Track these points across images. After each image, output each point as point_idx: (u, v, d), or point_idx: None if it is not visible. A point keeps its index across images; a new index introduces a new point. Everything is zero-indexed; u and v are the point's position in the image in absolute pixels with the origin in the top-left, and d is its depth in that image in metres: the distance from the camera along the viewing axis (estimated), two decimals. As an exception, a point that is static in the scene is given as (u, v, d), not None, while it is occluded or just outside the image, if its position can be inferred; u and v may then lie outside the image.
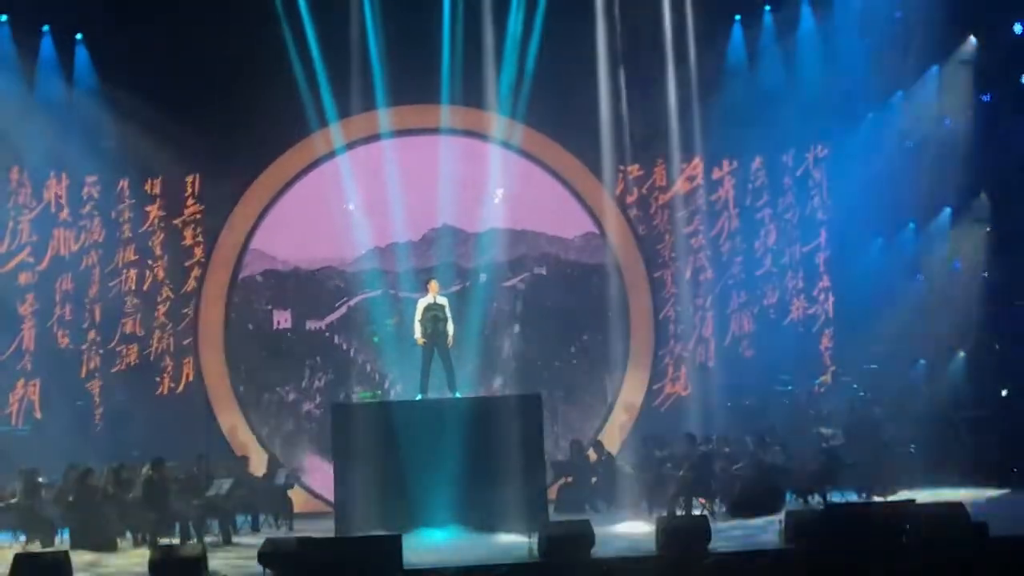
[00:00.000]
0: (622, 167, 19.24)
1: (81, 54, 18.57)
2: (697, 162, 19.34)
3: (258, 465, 17.64)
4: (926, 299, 18.84)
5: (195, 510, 15.48)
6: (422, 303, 15.90)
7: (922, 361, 18.83)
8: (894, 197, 18.85)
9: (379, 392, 16.62)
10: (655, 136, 19.03)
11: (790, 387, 18.87)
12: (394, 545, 12.39)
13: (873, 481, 16.54)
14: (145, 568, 12.73)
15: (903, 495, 15.78)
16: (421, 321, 15.80)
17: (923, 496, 15.24)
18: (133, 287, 18.77)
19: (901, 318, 18.57)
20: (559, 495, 17.10)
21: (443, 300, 15.97)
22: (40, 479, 15.77)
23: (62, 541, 15.14)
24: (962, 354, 18.76)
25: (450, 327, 15.84)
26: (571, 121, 19.03)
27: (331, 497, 16.18)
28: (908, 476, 16.88)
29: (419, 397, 15.78)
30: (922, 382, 18.67)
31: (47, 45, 18.46)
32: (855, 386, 18.54)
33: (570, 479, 17.31)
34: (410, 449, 15.08)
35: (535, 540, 13.37)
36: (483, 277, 18.87)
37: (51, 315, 18.54)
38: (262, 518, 16.67)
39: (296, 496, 17.28)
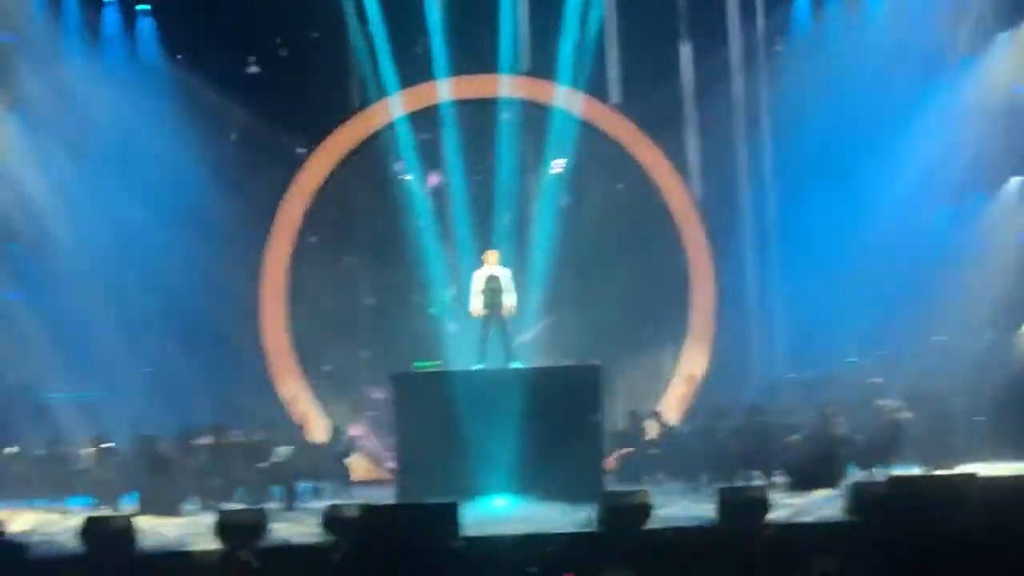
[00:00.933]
0: (682, 133, 19.03)
1: (144, 25, 18.72)
2: (763, 126, 19.06)
3: (319, 433, 17.80)
4: (996, 268, 18.48)
5: (258, 476, 15.68)
6: (479, 275, 15.94)
7: (991, 331, 18.49)
8: (963, 165, 18.51)
9: (438, 362, 16.66)
10: (718, 102, 18.78)
11: (855, 358, 18.62)
12: (452, 513, 12.43)
13: (938, 453, 16.30)
14: (210, 533, 12.92)
15: (969, 468, 15.55)
16: (480, 292, 15.84)
17: (990, 469, 15.01)
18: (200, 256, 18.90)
19: (970, 288, 18.27)
20: (618, 466, 17.05)
21: (501, 271, 15.98)
22: (108, 445, 16.07)
23: (129, 506, 15.40)
24: (1024, 326, 18.44)
25: (508, 298, 15.84)
26: (633, 89, 18.87)
27: (391, 465, 16.32)
28: (975, 449, 16.61)
29: (477, 367, 15.82)
30: (991, 353, 18.34)
31: (111, 15, 18.63)
32: (922, 357, 18.26)
33: (629, 449, 17.26)
34: (468, 418, 15.13)
35: (593, 510, 13.37)
36: (542, 248, 18.79)
37: (118, 282, 18.72)
38: (323, 485, 16.84)
39: (357, 463, 17.41)
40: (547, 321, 18.87)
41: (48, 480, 16.16)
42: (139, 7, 18.74)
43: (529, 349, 17.62)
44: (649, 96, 18.84)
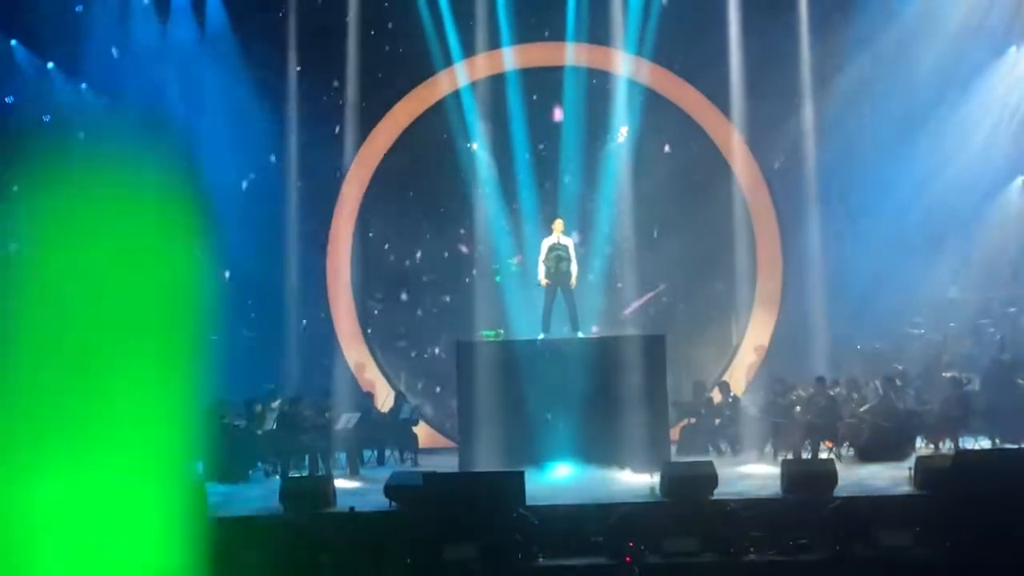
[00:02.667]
0: (749, 102, 18.80)
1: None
2: (830, 96, 18.78)
3: (384, 400, 17.94)
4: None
5: (323, 444, 15.86)
6: (546, 243, 15.99)
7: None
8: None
9: (501, 331, 16.71)
10: (784, 70, 18.52)
11: (922, 330, 18.38)
12: (518, 481, 12.50)
13: (1007, 427, 16.06)
14: (276, 499, 13.10)
15: (1039, 442, 15.33)
16: (544, 261, 15.90)
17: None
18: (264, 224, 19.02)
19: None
20: (682, 436, 17.02)
21: (567, 240, 16.00)
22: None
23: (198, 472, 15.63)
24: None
25: (573, 267, 15.86)
26: (698, 57, 18.69)
27: (455, 433, 16.41)
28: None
29: (541, 336, 15.83)
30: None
31: (180, -13, 18.81)
32: (992, 329, 17.99)
33: (693, 420, 17.21)
34: (532, 388, 15.20)
35: (657, 480, 13.37)
36: (606, 216, 18.69)
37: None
38: (388, 452, 16.99)
39: (421, 431, 17.54)
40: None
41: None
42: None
43: (595, 319, 17.57)
44: (715, 65, 18.64)
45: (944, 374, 16.92)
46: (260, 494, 14.27)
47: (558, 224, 16.08)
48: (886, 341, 18.23)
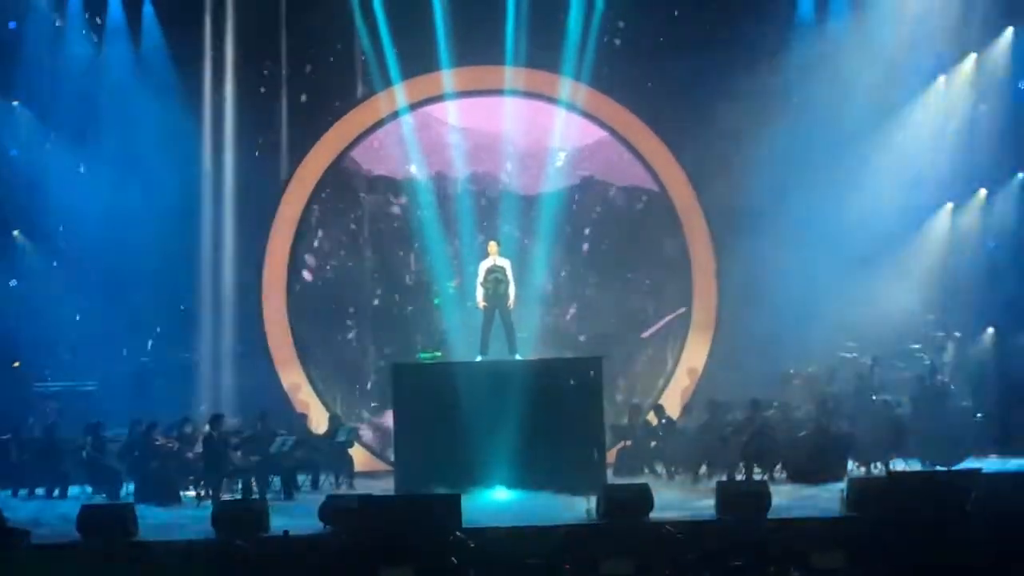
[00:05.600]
0: (684, 125, 18.99)
1: (148, 12, 18.68)
2: (763, 120, 19.00)
3: (319, 423, 17.78)
4: (997, 266, 18.49)
5: (257, 466, 15.67)
6: (483, 265, 15.99)
7: (991, 329, 18.50)
8: (965, 162, 18.56)
9: (439, 353, 16.66)
10: (720, 95, 18.73)
11: (855, 354, 18.61)
12: (454, 504, 12.45)
13: (938, 450, 16.29)
14: (208, 522, 12.92)
15: (969, 464, 15.55)
16: (483, 283, 15.88)
17: (989, 466, 15.02)
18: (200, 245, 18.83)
19: (971, 285, 18.27)
20: (618, 458, 17.05)
21: (504, 262, 16.01)
22: (106, 433, 16.07)
23: (127, 494, 15.40)
24: (1033, 322, 18.42)
25: (511, 289, 15.87)
26: (634, 82, 18.86)
27: (391, 456, 16.31)
28: (975, 445, 16.62)
29: (479, 358, 15.81)
30: (991, 350, 18.34)
31: (115, 4, 18.58)
32: (922, 354, 18.25)
33: (629, 442, 17.25)
34: (470, 410, 15.15)
35: (593, 502, 13.37)
36: (543, 239, 18.75)
37: (120, 270, 18.65)
38: (323, 476, 16.83)
39: (356, 454, 17.40)
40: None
41: (47, 468, 16.15)
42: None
43: (532, 341, 17.60)
44: (651, 89, 18.84)
45: (875, 397, 17.12)
46: (192, 517, 14.06)
47: (493, 246, 16.09)
48: (819, 364, 18.40)
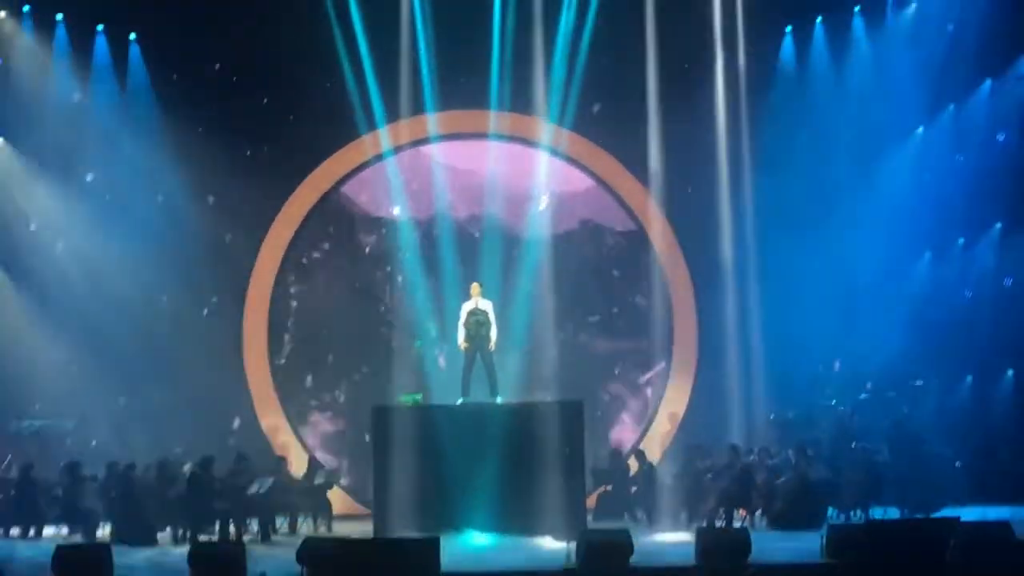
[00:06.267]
0: (668, 172, 19.15)
1: (134, 53, 18.78)
2: (744, 169, 19.20)
3: (298, 465, 17.69)
4: (975, 315, 18.63)
5: (235, 508, 15.57)
6: (465, 307, 15.99)
7: (969, 378, 18.60)
8: (944, 211, 18.75)
9: (420, 396, 16.63)
10: (702, 141, 18.90)
11: (834, 400, 18.68)
12: (432, 548, 12.35)
13: (916, 497, 16.33)
14: (184, 564, 12.81)
15: (947, 512, 15.58)
16: (464, 325, 15.88)
17: (968, 514, 15.03)
18: (180, 288, 18.79)
19: (949, 334, 18.40)
20: (598, 503, 17.03)
21: (486, 304, 16.02)
22: (83, 472, 15.96)
23: (104, 534, 15.28)
24: (1011, 372, 18.52)
25: (493, 331, 15.88)
26: (619, 127, 19.03)
27: (370, 499, 16.22)
28: (953, 493, 16.66)
29: (460, 401, 15.80)
30: (969, 398, 18.44)
31: (101, 44, 18.67)
32: (900, 401, 18.33)
33: (610, 487, 17.22)
34: (450, 453, 15.09)
35: (573, 547, 13.32)
36: (526, 282, 18.81)
37: (99, 310, 18.59)
38: (301, 518, 16.72)
39: (335, 497, 17.31)
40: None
41: (23, 507, 16.01)
42: (131, 35, 18.71)
43: (513, 384, 17.61)
44: (633, 134, 19.01)
45: (854, 444, 17.17)
46: (168, 558, 13.94)
47: (475, 288, 16.11)
48: (798, 411, 18.47)
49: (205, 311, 18.86)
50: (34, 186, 18.35)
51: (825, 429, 18.03)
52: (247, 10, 18.29)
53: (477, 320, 15.78)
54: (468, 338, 15.82)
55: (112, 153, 18.46)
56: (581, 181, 19.49)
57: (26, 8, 18.21)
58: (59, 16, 18.36)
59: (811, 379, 18.76)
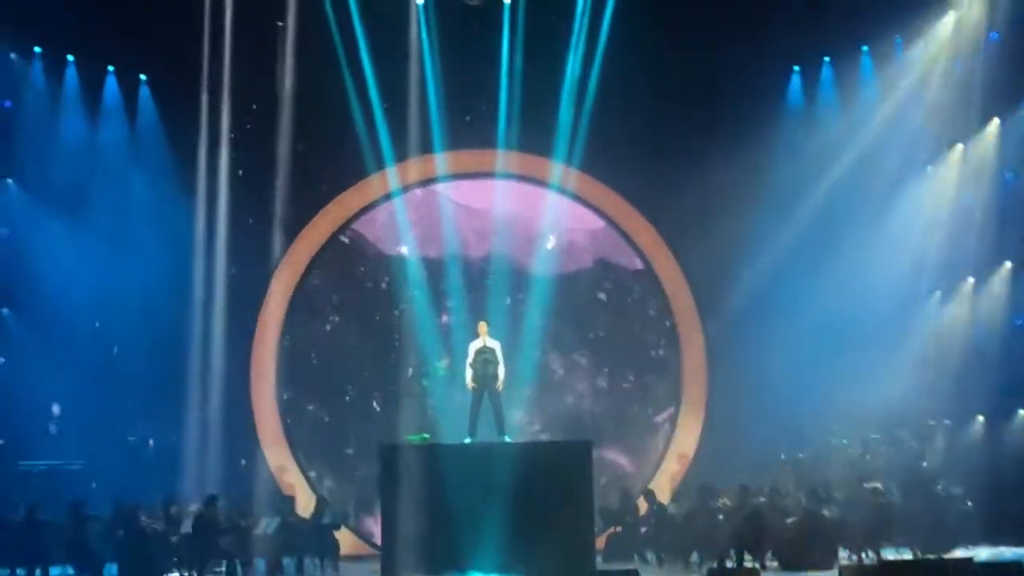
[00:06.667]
0: (674, 210, 19.16)
1: (144, 94, 18.89)
2: (754, 208, 19.17)
3: (305, 505, 17.60)
4: (985, 354, 18.53)
5: (242, 549, 15.47)
6: (473, 346, 15.97)
7: (980, 417, 18.49)
8: (953, 250, 18.70)
9: (427, 435, 16.56)
10: (709, 179, 18.92)
11: (845, 440, 18.56)
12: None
13: (928, 538, 16.18)
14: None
15: (959, 553, 15.43)
16: (472, 364, 15.84)
17: (980, 554, 14.90)
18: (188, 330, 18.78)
19: (959, 373, 18.30)
20: (608, 544, 16.91)
21: (494, 343, 15.99)
22: (89, 512, 15.88)
23: (110, 575, 15.19)
24: (1021, 412, 18.41)
25: (500, 370, 15.82)
26: (627, 167, 19.07)
27: (377, 540, 16.12)
28: (965, 533, 16.51)
29: (468, 440, 15.72)
30: (980, 438, 18.31)
31: (111, 85, 18.79)
32: (911, 441, 18.21)
33: (619, 528, 17.09)
34: (458, 493, 14.98)
35: (582, 588, 13.21)
36: (534, 321, 18.77)
37: (104, 350, 18.59)
38: (307, 559, 16.60)
39: (342, 538, 17.20)
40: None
41: (28, 547, 15.92)
42: (141, 76, 18.83)
43: (521, 423, 17.54)
44: (640, 172, 19.06)
45: (866, 484, 17.03)
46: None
47: (483, 327, 16.08)
48: (809, 451, 18.35)
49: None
50: (44, 225, 18.39)
51: (836, 469, 17.88)
52: (257, 51, 18.39)
53: (485, 359, 15.74)
54: (475, 378, 15.78)
55: (121, 192, 18.52)
56: (593, 220, 19.48)
57: (38, 49, 18.33)
58: (70, 57, 18.49)
59: (821, 418, 18.62)
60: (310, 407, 19.14)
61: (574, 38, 18.90)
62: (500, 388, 15.84)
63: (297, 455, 18.81)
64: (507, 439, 15.77)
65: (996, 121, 18.80)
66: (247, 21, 18.33)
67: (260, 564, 15.71)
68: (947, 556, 15.37)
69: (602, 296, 19.33)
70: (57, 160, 18.44)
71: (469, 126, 19.01)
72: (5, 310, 18.44)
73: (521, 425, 17.54)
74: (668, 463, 19.03)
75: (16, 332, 18.43)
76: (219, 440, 18.40)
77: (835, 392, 18.61)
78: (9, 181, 18.39)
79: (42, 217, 18.43)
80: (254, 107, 18.87)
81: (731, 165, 18.57)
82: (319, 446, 19.04)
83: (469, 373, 15.88)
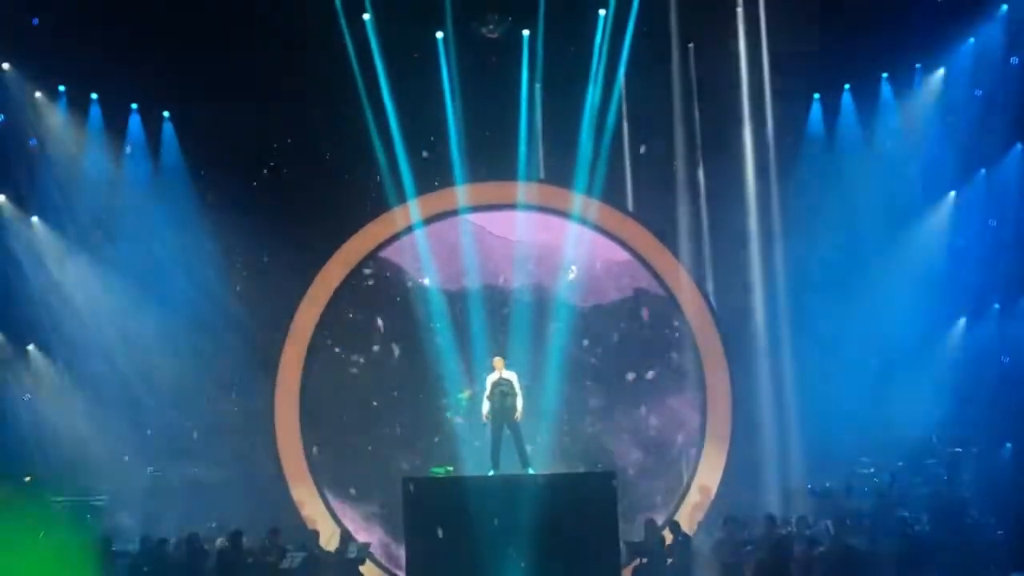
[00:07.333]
0: (699, 239, 19.14)
1: (168, 131, 19.05)
2: (776, 236, 19.15)
3: (330, 539, 17.57)
4: (1012, 380, 18.39)
5: (267, 583, 15.49)
6: (490, 379, 16.04)
7: (1008, 444, 18.32)
8: (978, 276, 18.62)
9: (451, 468, 16.54)
10: (732, 211, 18.90)
11: (872, 469, 18.42)
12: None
13: (958, 567, 16.01)
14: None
15: (990, 583, 15.29)
16: (489, 397, 15.87)
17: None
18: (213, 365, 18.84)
19: (987, 400, 18.16)
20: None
21: (510, 374, 16.02)
22: (114, 548, 15.91)
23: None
24: (1051, 439, 18.27)
25: (519, 401, 15.82)
26: (646, 195, 19.08)
27: (403, 573, 16.08)
28: (995, 562, 16.32)
29: (491, 473, 15.69)
30: (1009, 465, 18.14)
31: (135, 122, 18.96)
32: (940, 469, 18.06)
33: (645, 560, 16.96)
34: (482, 525, 14.97)
35: (608, 621, 13.14)
36: (557, 351, 18.75)
37: (128, 386, 18.65)
38: (333, 593, 16.59)
39: (368, 571, 17.16)
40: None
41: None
42: (164, 113, 18.99)
43: (545, 454, 17.50)
44: (662, 203, 19.05)
45: (894, 513, 16.89)
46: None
47: (499, 362, 16.12)
48: (836, 480, 18.22)
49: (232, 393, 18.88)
50: (68, 263, 18.53)
51: (863, 498, 17.74)
52: (278, 88, 18.53)
53: (502, 391, 15.78)
54: (493, 410, 15.79)
55: (145, 229, 18.66)
56: (616, 250, 19.46)
57: (61, 88, 18.52)
58: (94, 95, 18.67)
59: (848, 447, 18.49)
60: (334, 441, 19.11)
61: (593, 68, 18.94)
62: (519, 418, 15.82)
63: (321, 489, 18.77)
64: (531, 471, 15.73)
65: (1019, 146, 18.74)
66: (270, 56, 18.46)
67: (285, 598, 15.69)
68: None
69: (625, 325, 19.27)
70: (81, 197, 18.60)
71: (490, 157, 19.05)
72: (31, 346, 18.56)
73: (545, 456, 17.49)
74: (693, 494, 18.89)
75: (42, 369, 18.54)
76: (244, 475, 18.44)
77: (863, 420, 18.52)
78: (34, 219, 18.55)
79: (67, 254, 18.58)
80: (275, 142, 19.02)
81: (753, 193, 18.56)
82: (344, 480, 19.00)
83: (486, 406, 15.90)
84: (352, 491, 18.96)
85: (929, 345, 18.81)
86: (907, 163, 19.00)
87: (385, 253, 19.38)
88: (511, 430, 15.76)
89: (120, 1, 18.00)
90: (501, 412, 15.74)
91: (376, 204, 19.09)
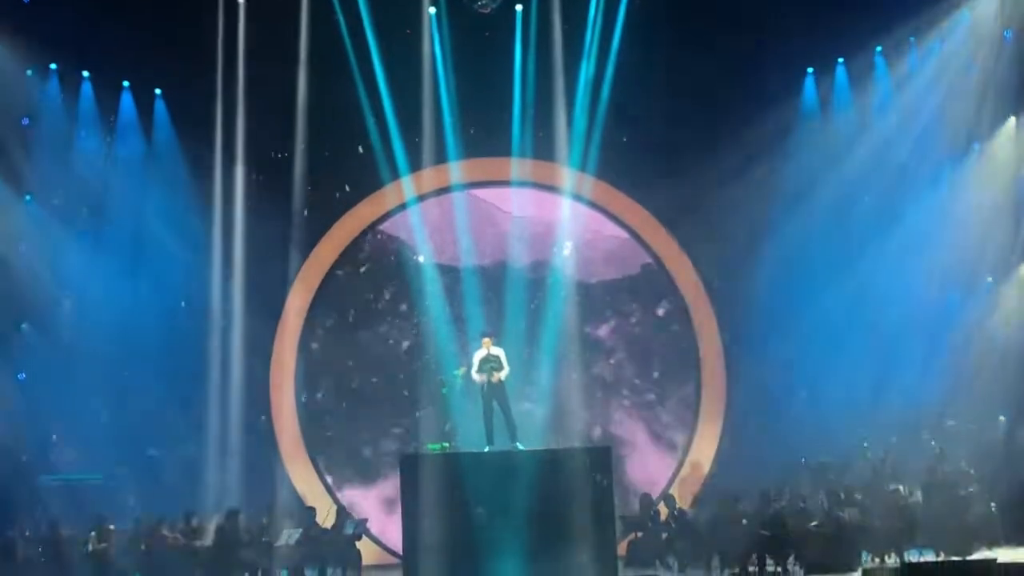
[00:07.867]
0: (692, 218, 19.13)
1: (160, 108, 18.98)
2: (773, 211, 19.12)
3: (327, 516, 17.62)
4: (1006, 355, 18.44)
5: (263, 561, 15.51)
6: (478, 355, 16.07)
7: (1002, 417, 18.39)
8: (971, 251, 18.61)
9: (447, 444, 16.58)
10: (728, 187, 18.87)
11: (866, 443, 18.48)
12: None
13: (952, 540, 16.09)
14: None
15: (983, 554, 15.35)
16: (477, 372, 15.91)
17: (1004, 555, 14.82)
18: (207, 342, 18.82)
19: (981, 374, 18.21)
20: (629, 550, 16.86)
21: (497, 350, 16.07)
22: (112, 526, 15.93)
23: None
24: (1045, 411, 18.33)
25: (504, 372, 15.83)
26: (641, 173, 19.05)
27: (399, 549, 16.14)
28: (988, 535, 16.41)
29: (487, 448, 15.74)
30: (1003, 439, 18.21)
31: (127, 100, 18.88)
32: (933, 443, 18.12)
33: (640, 534, 17.06)
34: (479, 501, 15.02)
35: (604, 595, 13.21)
36: (552, 327, 18.77)
37: (123, 364, 18.63)
38: (330, 570, 16.62)
39: (364, 548, 17.21)
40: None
41: (51, 563, 15.97)
42: (156, 91, 18.91)
43: (538, 427, 17.56)
44: (658, 181, 19.02)
45: (888, 487, 16.96)
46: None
47: (487, 342, 16.12)
48: (831, 454, 18.28)
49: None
50: (60, 241, 18.47)
51: (858, 472, 17.81)
52: (271, 67, 18.46)
53: (491, 367, 15.80)
54: (483, 386, 15.79)
55: (137, 207, 18.60)
56: (611, 227, 19.44)
57: (53, 66, 18.42)
58: (85, 73, 18.58)
59: (842, 421, 18.55)
60: (331, 418, 19.15)
61: (587, 43, 18.88)
62: (502, 379, 15.76)
63: (318, 466, 18.82)
64: (519, 446, 15.76)
65: (1012, 120, 18.73)
66: (261, 34, 18.37)
67: (283, 575, 15.73)
68: (970, 558, 15.33)
69: (620, 303, 19.29)
70: (74, 175, 18.53)
71: (482, 134, 19.00)
72: (24, 325, 18.53)
73: (540, 431, 17.56)
74: (688, 468, 18.97)
75: (36, 348, 18.51)
76: (241, 453, 18.45)
77: (857, 395, 18.57)
78: (26, 197, 18.49)
79: (59, 232, 18.52)
80: (268, 118, 18.94)
81: (747, 168, 18.54)
82: (341, 457, 19.04)
83: (480, 377, 15.90)
84: (348, 469, 19.00)
85: (922, 320, 18.83)
86: (901, 137, 18.96)
87: (383, 226, 19.38)
88: (500, 404, 15.81)
89: (111, -21, 17.92)
90: (489, 387, 15.79)
91: (370, 180, 19.04)
